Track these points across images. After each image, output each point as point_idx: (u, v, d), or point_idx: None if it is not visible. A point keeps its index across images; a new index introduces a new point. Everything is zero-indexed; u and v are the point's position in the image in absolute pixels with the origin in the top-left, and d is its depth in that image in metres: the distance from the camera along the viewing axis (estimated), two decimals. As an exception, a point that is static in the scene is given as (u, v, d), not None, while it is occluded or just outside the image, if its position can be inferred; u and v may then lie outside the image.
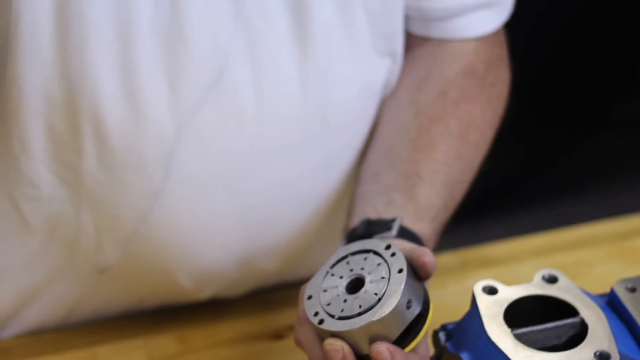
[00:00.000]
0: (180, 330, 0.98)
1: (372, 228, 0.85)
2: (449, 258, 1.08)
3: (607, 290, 0.78)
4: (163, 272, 0.94)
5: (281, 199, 0.93)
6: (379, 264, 0.76)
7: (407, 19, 0.96)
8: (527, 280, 0.78)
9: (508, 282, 0.77)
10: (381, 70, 0.95)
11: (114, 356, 0.96)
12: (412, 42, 0.98)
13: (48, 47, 0.82)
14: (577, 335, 0.74)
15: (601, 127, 2.37)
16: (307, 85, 0.89)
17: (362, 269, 0.77)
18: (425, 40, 0.98)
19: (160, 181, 0.88)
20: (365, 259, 0.77)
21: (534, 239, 1.13)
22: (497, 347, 0.72)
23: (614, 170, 2.23)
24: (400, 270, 0.75)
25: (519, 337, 0.73)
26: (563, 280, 0.77)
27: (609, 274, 1.04)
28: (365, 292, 0.75)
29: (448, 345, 0.76)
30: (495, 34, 0.99)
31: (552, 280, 0.77)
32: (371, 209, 0.88)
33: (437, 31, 0.97)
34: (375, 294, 0.74)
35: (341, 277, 0.77)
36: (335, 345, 0.74)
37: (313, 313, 0.76)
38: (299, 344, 0.80)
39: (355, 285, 0.76)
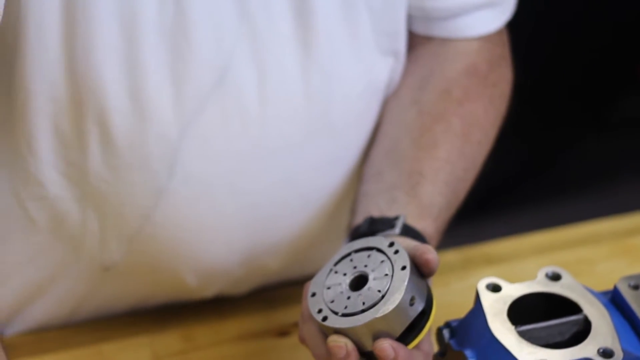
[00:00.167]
0: (184, 328, 0.98)
1: (376, 226, 0.85)
2: (452, 256, 1.08)
3: (610, 287, 0.78)
4: (167, 270, 0.94)
5: (285, 197, 0.93)
6: (382, 262, 0.76)
7: (410, 18, 0.96)
8: (530, 278, 0.78)
9: (511, 280, 0.78)
10: (384, 70, 0.95)
11: (118, 353, 0.96)
12: (415, 41, 0.98)
13: (55, 47, 0.82)
14: (581, 332, 0.74)
15: (603, 126, 2.37)
16: (311, 84, 0.89)
17: (366, 266, 0.77)
18: (428, 39, 0.98)
19: (165, 180, 0.88)
20: (368, 256, 0.78)
21: (536, 237, 1.13)
22: (501, 344, 0.72)
23: (616, 169, 2.23)
24: (404, 268, 0.75)
25: (523, 334, 0.73)
26: (566, 278, 0.78)
27: (612, 272, 1.04)
28: (369, 289, 0.75)
29: (452, 342, 0.77)
30: (497, 33, 0.99)
31: (555, 277, 0.78)
32: (374, 207, 0.88)
33: (439, 30, 0.97)
34: (379, 291, 0.75)
35: (345, 275, 0.77)
36: (339, 342, 0.74)
37: (317, 310, 0.76)
38: (303, 341, 0.80)
39: (359, 282, 0.77)
